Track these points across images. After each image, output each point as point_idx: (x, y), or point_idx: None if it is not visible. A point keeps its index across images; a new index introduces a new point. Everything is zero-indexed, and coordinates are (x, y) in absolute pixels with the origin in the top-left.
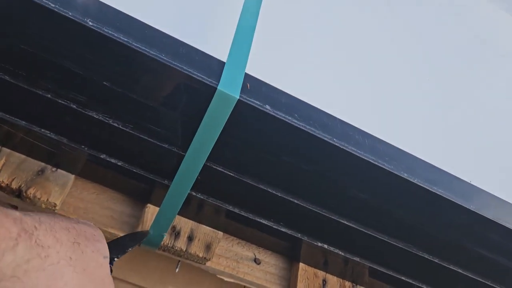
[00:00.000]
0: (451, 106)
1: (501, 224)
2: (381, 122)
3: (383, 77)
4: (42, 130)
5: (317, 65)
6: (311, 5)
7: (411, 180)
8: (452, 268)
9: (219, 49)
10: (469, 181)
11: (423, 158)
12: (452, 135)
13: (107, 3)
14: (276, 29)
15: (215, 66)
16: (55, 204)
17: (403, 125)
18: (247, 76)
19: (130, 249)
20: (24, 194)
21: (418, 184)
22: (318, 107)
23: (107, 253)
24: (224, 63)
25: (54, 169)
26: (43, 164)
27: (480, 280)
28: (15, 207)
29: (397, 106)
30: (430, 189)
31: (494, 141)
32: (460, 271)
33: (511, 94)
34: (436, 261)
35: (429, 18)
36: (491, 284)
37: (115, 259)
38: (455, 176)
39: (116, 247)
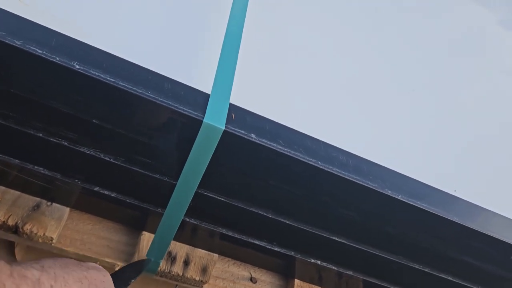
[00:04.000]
0: (433, 119)
1: (483, 233)
2: (365, 140)
3: (365, 97)
4: (36, 167)
5: (300, 90)
6: (292, 31)
7: (395, 196)
8: (443, 276)
9: (203, 81)
10: (453, 191)
11: (407, 174)
12: (435, 147)
13: (92, 44)
14: (259, 57)
15: (200, 99)
16: (51, 238)
17: (387, 142)
18: (232, 106)
19: (133, 280)
20: (21, 230)
21: (402, 200)
22: (302, 131)
23: None
24: (209, 95)
25: (49, 203)
26: (38, 199)
27: (470, 286)
28: (13, 243)
29: (380, 123)
30: (414, 204)
31: (477, 150)
32: (450, 278)
33: (493, 103)
34: (426, 270)
35: (408, 33)
36: None
37: None
38: (438, 189)
39: (120, 280)
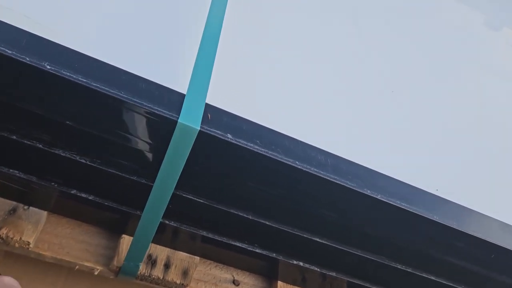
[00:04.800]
0: (414, 119)
1: (465, 232)
2: (344, 140)
3: (344, 96)
4: (11, 170)
5: (278, 90)
6: (270, 31)
7: (374, 196)
8: (425, 276)
9: (180, 81)
10: (435, 190)
11: (387, 173)
12: (415, 147)
13: (64, 44)
14: (236, 57)
15: (175, 99)
16: (28, 242)
17: (366, 141)
18: (208, 106)
19: None
20: None
21: (382, 199)
22: (280, 130)
23: None
24: (184, 95)
25: (26, 207)
26: (14, 203)
27: (453, 285)
28: None
29: (359, 122)
30: (394, 204)
31: (459, 150)
32: (433, 278)
33: (477, 102)
34: (409, 270)
35: (391, 32)
36: None
37: None
38: (418, 188)
39: None
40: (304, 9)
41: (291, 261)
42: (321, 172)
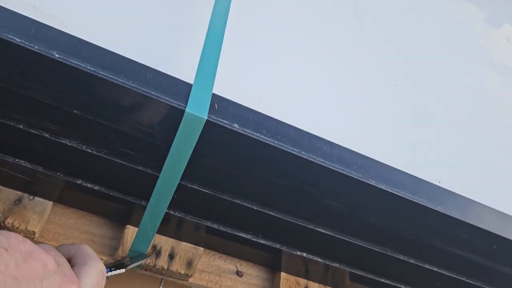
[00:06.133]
0: (418, 112)
1: (468, 223)
2: (349, 131)
3: (350, 88)
4: (17, 160)
5: (284, 81)
6: (276, 22)
7: (379, 186)
8: (428, 267)
9: (186, 71)
10: (438, 182)
11: (391, 164)
12: (420, 138)
13: (72, 33)
14: (243, 47)
15: (182, 89)
16: (33, 232)
17: (371, 132)
18: (215, 96)
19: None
20: (2, 224)
21: (386, 190)
22: (286, 121)
23: None
24: (191, 85)
25: (31, 197)
26: (20, 193)
27: (455, 276)
28: None
29: (364, 114)
30: (399, 194)
31: (462, 142)
32: (436, 269)
33: (478, 97)
34: (411, 261)
35: (392, 27)
36: (466, 280)
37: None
38: (422, 179)
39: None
40: (308, 3)
41: (294, 252)
42: (326, 162)
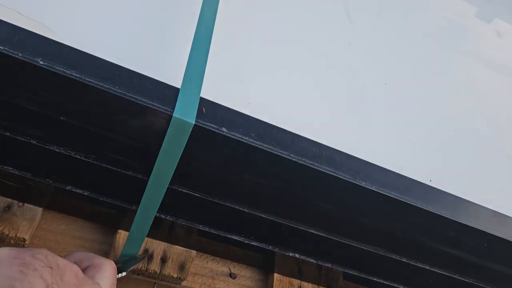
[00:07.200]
0: (408, 111)
1: (459, 222)
2: (338, 132)
3: (338, 89)
4: (5, 167)
5: (272, 83)
6: (264, 23)
7: (369, 187)
8: (420, 265)
9: (173, 76)
10: (429, 181)
11: (380, 165)
12: (409, 138)
13: (57, 40)
14: (231, 51)
15: (170, 93)
16: (24, 239)
17: (360, 132)
18: (203, 100)
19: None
20: None
21: (376, 191)
22: (274, 124)
23: None
24: (178, 89)
25: (20, 204)
26: (9, 200)
27: (447, 274)
28: None
29: (353, 115)
30: (388, 195)
31: (452, 141)
32: (427, 267)
33: (470, 94)
34: (403, 260)
35: (384, 24)
36: (458, 278)
37: None
38: (412, 179)
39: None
40: (297, 2)
41: (287, 253)
42: (316, 164)
